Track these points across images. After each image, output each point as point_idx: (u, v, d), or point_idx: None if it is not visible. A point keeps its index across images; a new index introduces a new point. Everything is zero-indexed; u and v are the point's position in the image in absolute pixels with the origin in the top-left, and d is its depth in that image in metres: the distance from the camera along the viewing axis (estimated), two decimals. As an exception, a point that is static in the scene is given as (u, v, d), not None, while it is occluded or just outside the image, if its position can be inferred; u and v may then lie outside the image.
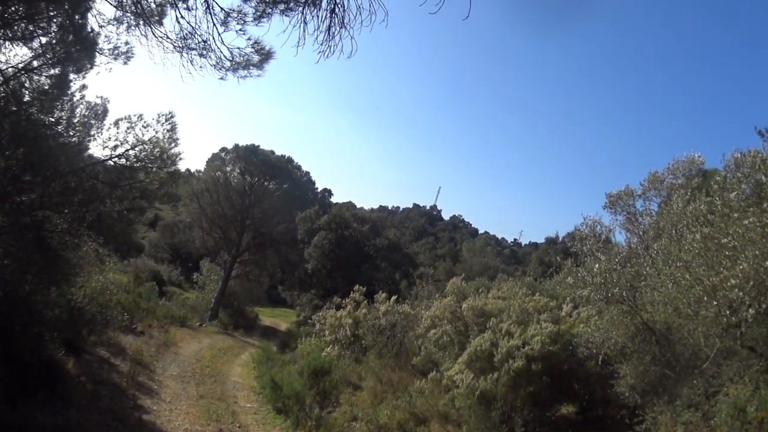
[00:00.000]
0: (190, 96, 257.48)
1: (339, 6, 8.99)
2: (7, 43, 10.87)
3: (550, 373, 12.72)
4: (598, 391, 12.82)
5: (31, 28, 10.76)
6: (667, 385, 10.00)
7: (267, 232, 49.06)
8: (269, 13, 9.94)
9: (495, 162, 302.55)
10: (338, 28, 9.04)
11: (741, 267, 7.86)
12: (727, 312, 8.11)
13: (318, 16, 9.17)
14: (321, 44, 9.09)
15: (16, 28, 10.66)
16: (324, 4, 9.11)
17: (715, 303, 8.18)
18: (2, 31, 10.55)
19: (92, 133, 12.57)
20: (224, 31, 10.56)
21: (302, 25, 9.15)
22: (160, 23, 10.91)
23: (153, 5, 10.85)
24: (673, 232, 10.46)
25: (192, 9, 10.40)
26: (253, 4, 10.05)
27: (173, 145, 13.51)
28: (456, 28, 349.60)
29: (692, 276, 8.65)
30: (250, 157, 46.89)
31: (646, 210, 13.83)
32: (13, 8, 10.27)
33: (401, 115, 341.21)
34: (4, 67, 11.12)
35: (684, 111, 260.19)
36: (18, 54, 11.16)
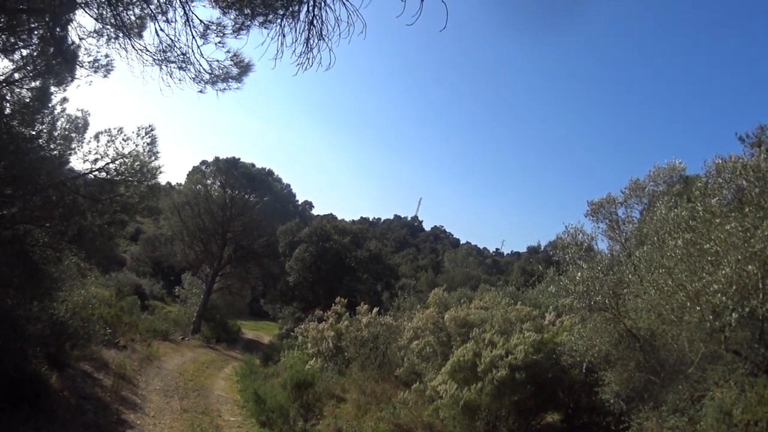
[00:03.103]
0: (169, 109, 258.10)
1: (317, 18, 8.98)
2: (-12, 55, 10.87)
3: (534, 381, 12.71)
4: (583, 399, 12.85)
5: (12, 40, 10.74)
6: (652, 391, 10.02)
7: (248, 245, 48.95)
8: (248, 25, 9.97)
9: (476, 172, 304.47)
10: (316, 40, 9.04)
11: (724, 272, 7.90)
12: (711, 317, 8.15)
13: (296, 29, 9.17)
14: (299, 56, 9.09)
15: (-3, 40, 10.64)
16: (302, 16, 9.12)
17: (698, 308, 8.22)
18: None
19: (73, 146, 12.60)
20: (203, 43, 10.58)
21: (281, 37, 9.15)
22: (140, 36, 10.92)
23: (132, 18, 10.84)
24: (656, 238, 10.49)
25: (171, 22, 10.39)
26: (232, 17, 10.07)
27: (153, 158, 13.57)
28: (434, 39, 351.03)
29: (675, 282, 8.68)
30: (230, 170, 46.77)
31: (627, 217, 13.88)
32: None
33: (381, 127, 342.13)
34: (-14, 80, 11.10)
35: (664, 118, 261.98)
36: (-1, 66, 11.14)
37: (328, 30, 8.91)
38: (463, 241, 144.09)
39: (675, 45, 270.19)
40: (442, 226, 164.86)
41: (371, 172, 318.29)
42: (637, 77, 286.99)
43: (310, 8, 9.01)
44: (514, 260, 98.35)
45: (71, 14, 10.80)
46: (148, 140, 13.41)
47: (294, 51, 9.07)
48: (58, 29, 10.96)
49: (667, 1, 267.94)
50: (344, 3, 8.44)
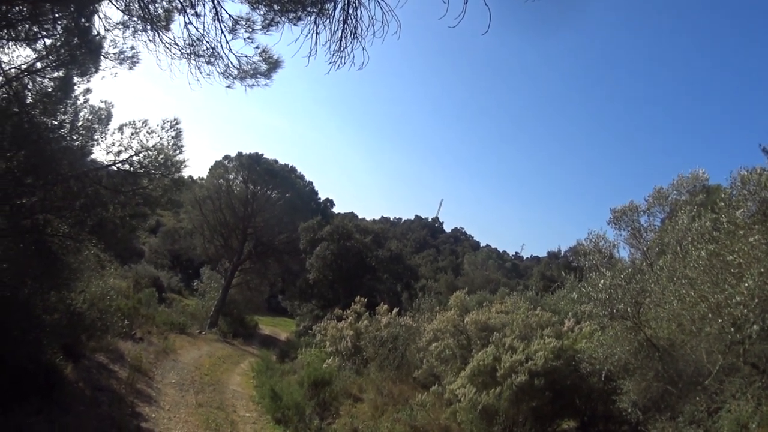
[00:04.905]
0: (192, 103, 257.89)
1: (351, 17, 8.95)
2: (10, 43, 10.81)
3: (553, 388, 12.67)
4: (600, 407, 12.78)
5: (35, 29, 10.70)
6: (669, 402, 9.97)
7: (269, 241, 48.94)
8: (278, 21, 9.94)
9: (497, 175, 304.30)
10: (350, 39, 9.00)
11: (746, 284, 7.83)
12: (732, 329, 8.07)
13: (330, 27, 9.14)
14: (333, 54, 9.09)
15: (19, 28, 10.59)
16: (337, 14, 9.08)
17: (719, 320, 8.14)
18: (5, 31, 10.49)
19: (96, 137, 12.51)
20: (232, 38, 10.59)
21: (314, 35, 9.14)
22: (168, 29, 10.89)
23: (160, 10, 10.80)
24: (678, 248, 10.46)
25: (200, 15, 10.40)
26: (261, 12, 10.05)
27: (178, 152, 13.46)
28: (457, 41, 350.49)
29: (697, 293, 8.63)
30: (253, 165, 46.87)
31: (650, 226, 13.83)
32: (17, 8, 10.20)
33: (404, 127, 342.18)
34: (7, 68, 11.04)
35: (689, 126, 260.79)
36: (21, 55, 11.08)
37: (362, 29, 8.89)
38: (483, 244, 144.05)
39: (701, 55, 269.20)
40: (463, 228, 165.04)
41: (393, 172, 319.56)
42: (665, 85, 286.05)
43: (345, 6, 8.98)
44: (533, 265, 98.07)
45: (97, 5, 10.78)
46: (173, 133, 13.33)
47: (329, 49, 9.10)
48: (82, 20, 10.92)
49: (691, 11, 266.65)
50: (379, 2, 8.42)
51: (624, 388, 10.66)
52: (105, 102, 12.69)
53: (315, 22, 9.19)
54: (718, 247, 8.77)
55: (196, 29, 10.53)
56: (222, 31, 10.43)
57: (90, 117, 12.41)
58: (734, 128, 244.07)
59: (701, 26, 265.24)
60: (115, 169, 12.93)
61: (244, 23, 10.34)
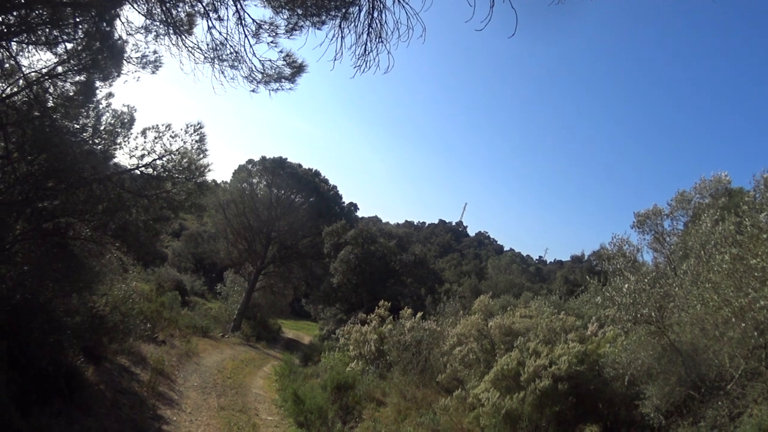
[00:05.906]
0: (216, 107, 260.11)
1: (376, 21, 8.94)
2: (30, 47, 10.85)
3: (576, 392, 12.61)
4: (622, 412, 12.68)
5: (55, 33, 10.75)
6: (691, 407, 9.93)
7: (292, 245, 48.99)
8: (302, 25, 10.02)
9: (521, 179, 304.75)
10: (375, 43, 9.00)
11: (769, 288, 7.75)
12: (755, 333, 8.02)
13: (355, 31, 9.12)
14: (358, 58, 9.09)
15: (39, 32, 10.64)
16: (361, 18, 9.08)
17: (743, 324, 8.09)
18: (25, 35, 10.53)
19: (118, 141, 12.60)
20: (256, 43, 10.69)
21: (339, 39, 9.15)
22: (190, 33, 11.00)
23: (183, 15, 10.89)
24: (702, 252, 10.41)
25: (223, 20, 10.51)
26: (284, 17, 10.10)
27: (202, 156, 13.54)
28: (481, 45, 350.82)
29: (721, 297, 8.60)
30: (277, 169, 47.11)
31: (673, 229, 13.79)
32: (36, 12, 10.23)
33: (429, 131, 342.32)
34: (27, 72, 11.08)
35: (711, 128, 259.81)
36: (42, 59, 11.15)
37: (387, 33, 8.90)
38: (506, 248, 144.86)
39: (724, 56, 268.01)
40: (486, 232, 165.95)
41: (417, 176, 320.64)
42: (688, 87, 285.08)
43: (369, 10, 8.98)
44: (557, 269, 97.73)
45: (119, 9, 10.85)
46: (197, 137, 13.40)
47: (354, 53, 9.13)
48: (104, 24, 10.96)
49: (712, 12, 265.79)
50: (404, 6, 8.39)
51: (647, 393, 10.61)
52: (128, 106, 12.82)
53: (339, 26, 9.23)
54: (741, 251, 8.73)
55: (219, 33, 10.66)
56: (245, 36, 10.55)
57: (112, 121, 12.52)
58: (757, 130, 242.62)
59: (723, 27, 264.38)
60: (138, 172, 13.02)
61: (267, 27, 10.41)
